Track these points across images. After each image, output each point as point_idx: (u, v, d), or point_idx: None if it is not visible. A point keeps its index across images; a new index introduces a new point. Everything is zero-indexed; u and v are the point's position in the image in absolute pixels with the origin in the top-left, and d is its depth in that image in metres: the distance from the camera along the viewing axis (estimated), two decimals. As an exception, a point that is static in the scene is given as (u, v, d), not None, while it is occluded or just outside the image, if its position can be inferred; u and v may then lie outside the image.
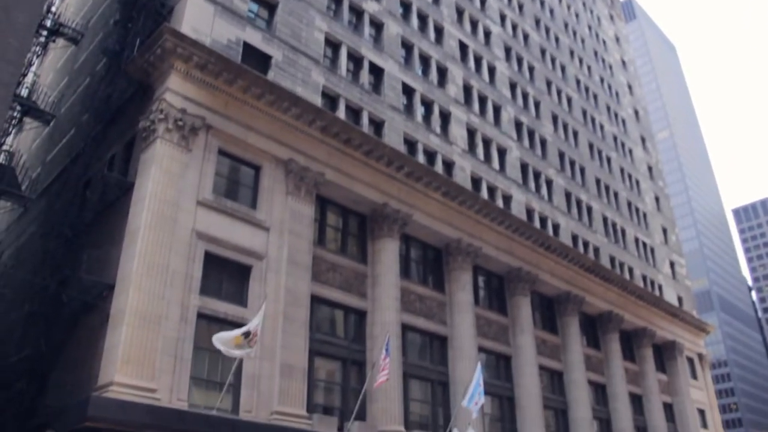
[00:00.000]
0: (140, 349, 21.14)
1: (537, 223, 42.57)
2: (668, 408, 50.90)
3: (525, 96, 48.32)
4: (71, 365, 24.85)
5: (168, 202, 23.55)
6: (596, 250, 48.71)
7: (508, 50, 48.75)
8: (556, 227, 44.88)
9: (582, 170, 51.66)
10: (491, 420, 34.87)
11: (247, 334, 21.15)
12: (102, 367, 21.50)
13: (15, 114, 30.54)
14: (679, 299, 59.87)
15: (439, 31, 41.80)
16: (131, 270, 22.05)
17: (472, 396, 27.69)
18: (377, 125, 33.70)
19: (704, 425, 55.45)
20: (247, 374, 23.71)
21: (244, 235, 25.57)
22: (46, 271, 29.02)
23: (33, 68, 38.73)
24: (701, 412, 55.86)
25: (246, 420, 22.81)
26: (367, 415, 27.31)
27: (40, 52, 35.05)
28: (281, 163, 27.82)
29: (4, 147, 33.09)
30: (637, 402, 47.46)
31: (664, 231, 62.84)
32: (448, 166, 37.47)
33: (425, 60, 39.61)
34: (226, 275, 25.08)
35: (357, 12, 35.94)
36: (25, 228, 36.64)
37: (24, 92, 33.55)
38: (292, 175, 27.81)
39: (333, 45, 33.55)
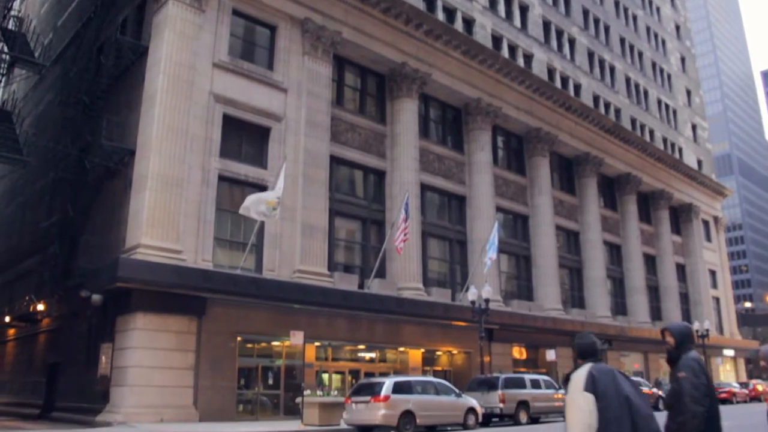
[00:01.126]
0: (164, 213, 21.60)
1: (558, 83, 41.70)
2: (680, 268, 52.08)
3: (549, -52, 45.71)
4: (99, 229, 25.60)
5: (183, 65, 23.15)
6: (617, 112, 47.95)
7: None
8: (577, 87, 43.95)
9: (606, 29, 49.73)
10: (507, 278, 35.97)
11: (272, 198, 21.43)
12: (128, 231, 22.14)
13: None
14: (699, 162, 59.50)
15: None
16: (151, 135, 22.11)
17: (488, 252, 28.45)
18: (394, -19, 32.30)
19: (714, 285, 56.91)
20: (269, 234, 24.33)
21: (261, 96, 25.31)
22: (67, 139, 29.25)
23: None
24: (712, 273, 57.17)
25: (269, 278, 23.59)
26: (386, 272, 28.25)
27: None
28: (297, 22, 27.00)
29: (12, 12, 32.30)
30: (650, 262, 48.50)
31: (688, 93, 61.33)
32: (468, 23, 36.21)
33: None
34: (245, 137, 25.15)
35: None
36: (42, 96, 36.56)
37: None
38: (309, 34, 27.06)
39: None
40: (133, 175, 22.75)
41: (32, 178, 35.82)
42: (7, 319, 34.50)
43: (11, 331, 35.73)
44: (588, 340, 4.71)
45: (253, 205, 21.32)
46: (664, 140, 54.18)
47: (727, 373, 55.11)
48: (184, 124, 22.71)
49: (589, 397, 4.22)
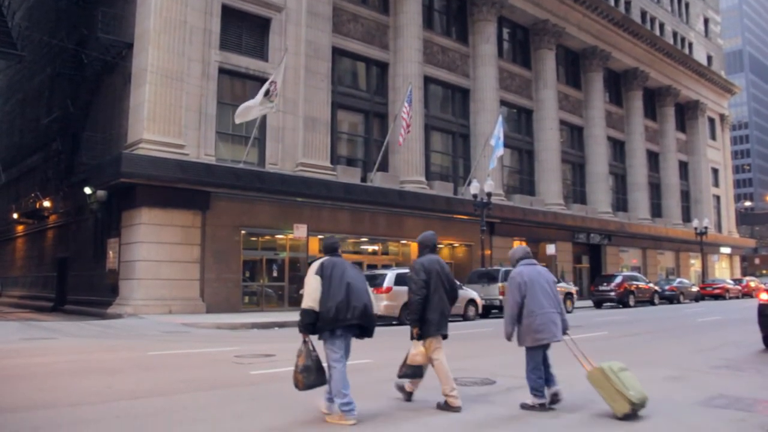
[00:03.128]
0: (165, 107, 21.39)
1: (567, -27, 40.07)
2: (683, 166, 52.04)
3: None
4: (100, 125, 25.42)
5: (180, -48, 22.23)
6: (627, 4, 46.39)
7: None
8: (586, -22, 42.26)
9: None
10: (510, 172, 36.02)
11: (267, 92, 21.10)
12: (130, 126, 22.00)
13: None
14: (709, 58, 58.13)
15: None
16: (148, 27, 21.54)
17: (495, 148, 28.33)
18: None
19: (716, 184, 57.01)
20: (271, 128, 24.19)
21: (260, -15, 24.47)
22: (62, 32, 28.55)
23: None
24: (715, 172, 57.16)
25: (272, 172, 23.66)
26: (389, 166, 28.28)
27: None
28: None
29: None
30: (653, 159, 48.40)
31: (702, -17, 59.11)
32: None
33: None
34: (245, 29, 24.52)
35: None
36: (32, -14, 35.38)
37: None
38: None
39: None
40: (131, 68, 22.36)
41: (29, 74, 35.26)
42: (15, 216, 34.94)
43: (20, 228, 36.27)
44: (331, 241, 6.43)
45: (244, 111, 21.01)
46: (674, 34, 52.68)
47: (722, 270, 56.15)
48: (182, 15, 22.09)
49: (318, 278, 5.91)
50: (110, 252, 22.93)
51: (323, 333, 5.91)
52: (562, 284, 26.37)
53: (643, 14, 48.42)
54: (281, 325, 18.36)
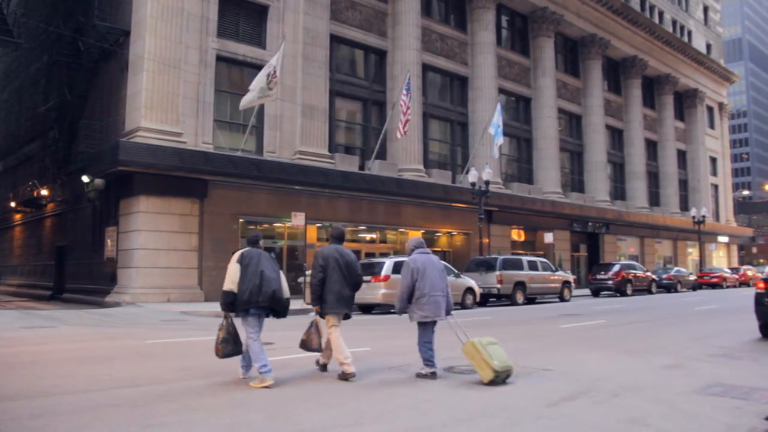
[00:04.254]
0: (162, 95, 21.34)
1: (566, -39, 39.87)
2: (681, 155, 52.01)
3: None
4: (98, 112, 25.34)
5: (177, -62, 22.08)
6: (627, -9, 46.19)
7: None
8: (585, -35, 42.06)
9: None
10: (508, 160, 36.02)
11: (267, 77, 21.07)
12: (127, 114, 21.95)
13: None
14: (708, 46, 57.98)
15: None
16: (145, 14, 21.44)
17: (495, 136, 28.28)
18: None
19: (714, 173, 57.03)
20: (269, 116, 24.15)
21: (257, -29, 24.34)
22: (58, 19, 28.40)
23: None
24: (713, 160, 57.16)
25: (270, 160, 23.63)
26: (387, 154, 28.26)
27: None
28: None
29: None
30: (651, 147, 48.40)
31: (702, -29, 58.83)
32: None
33: None
34: (242, 16, 24.42)
35: None
36: (27, -28, 35.13)
37: None
38: None
39: None
40: (129, 56, 22.27)
41: (26, 62, 35.08)
42: (13, 204, 34.90)
43: (18, 216, 36.23)
44: (254, 234, 7.62)
45: (249, 99, 21.05)
46: (674, 23, 52.51)
47: (720, 259, 56.29)
48: (179, 1, 22.03)
49: (237, 266, 7.10)
50: (108, 240, 22.92)
51: (239, 312, 7.09)
52: (560, 273, 26.42)
53: (642, 2, 48.24)
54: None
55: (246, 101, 21.11)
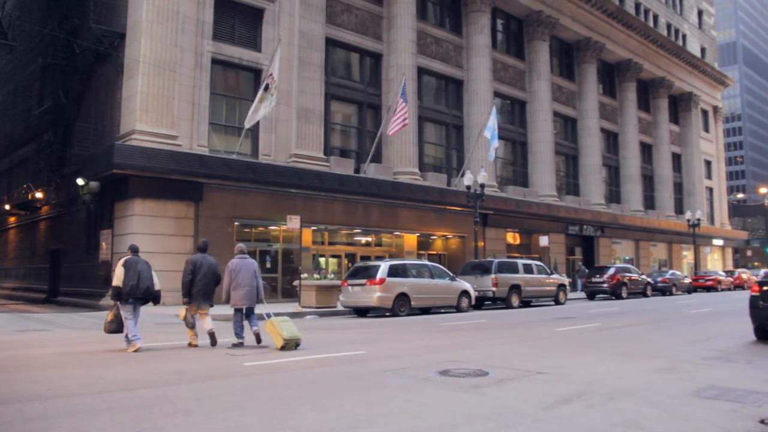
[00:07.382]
0: (158, 98, 21.32)
1: (561, -35, 39.99)
2: (676, 158, 52.20)
3: None
4: (93, 115, 25.30)
5: (172, -59, 22.06)
6: (621, -5, 46.36)
7: None
8: (580, -31, 42.19)
9: None
10: (503, 164, 36.07)
11: (266, 87, 21.14)
12: (122, 117, 21.91)
13: None
14: (702, 50, 58.22)
15: None
16: (140, 17, 21.45)
17: (491, 140, 28.30)
18: None
19: (709, 176, 57.20)
20: (264, 119, 24.00)
21: (253, -26, 24.32)
22: (53, 22, 28.35)
23: None
24: (708, 164, 57.35)
25: (265, 163, 23.64)
26: (382, 157, 28.28)
27: None
28: None
29: None
30: (646, 151, 48.55)
31: (696, -25, 59.07)
32: None
33: None
34: (238, 19, 24.42)
35: None
36: (22, -25, 35.06)
37: None
38: None
39: None
40: (124, 59, 22.24)
41: (21, 65, 35.00)
42: (7, 207, 34.77)
43: (12, 219, 36.11)
44: (134, 246, 10.68)
45: (252, 116, 21.23)
46: (668, 26, 52.72)
47: (715, 262, 56.42)
48: (174, 4, 22.01)
49: (122, 268, 10.10)
50: (103, 243, 22.86)
51: (122, 301, 10.11)
52: (555, 276, 26.42)
53: (637, 6, 48.44)
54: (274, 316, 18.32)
55: (250, 118, 21.22)
